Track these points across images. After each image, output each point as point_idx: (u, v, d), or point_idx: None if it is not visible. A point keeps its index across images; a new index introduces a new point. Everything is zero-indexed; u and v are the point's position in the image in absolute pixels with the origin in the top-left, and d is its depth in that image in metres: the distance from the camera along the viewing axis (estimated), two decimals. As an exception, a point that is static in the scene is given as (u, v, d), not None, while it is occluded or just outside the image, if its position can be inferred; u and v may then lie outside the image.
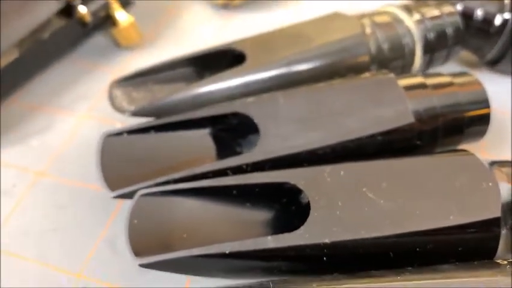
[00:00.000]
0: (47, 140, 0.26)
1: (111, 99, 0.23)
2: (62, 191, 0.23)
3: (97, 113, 0.27)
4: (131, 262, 0.17)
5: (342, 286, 0.16)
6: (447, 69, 0.30)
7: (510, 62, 0.30)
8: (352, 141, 0.20)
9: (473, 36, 0.30)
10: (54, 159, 0.25)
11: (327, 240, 0.17)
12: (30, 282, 0.21)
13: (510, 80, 0.31)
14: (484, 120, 0.23)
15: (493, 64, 0.31)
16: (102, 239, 0.22)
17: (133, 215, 0.18)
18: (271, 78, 0.23)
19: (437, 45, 0.27)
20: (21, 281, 0.21)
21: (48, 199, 0.23)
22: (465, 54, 0.32)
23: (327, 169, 0.19)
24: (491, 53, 0.30)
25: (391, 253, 0.17)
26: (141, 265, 0.17)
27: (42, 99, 0.28)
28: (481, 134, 0.24)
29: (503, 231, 0.18)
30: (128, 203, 0.19)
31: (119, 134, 0.21)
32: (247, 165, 0.20)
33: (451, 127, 0.22)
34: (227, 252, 0.17)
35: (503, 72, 0.31)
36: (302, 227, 0.17)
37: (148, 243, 0.18)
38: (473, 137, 0.24)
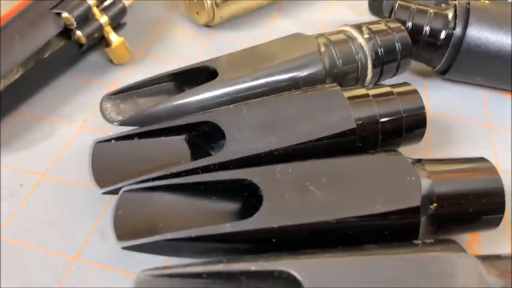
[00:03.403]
0: (48, 146, 0.29)
1: (102, 111, 0.27)
2: (61, 189, 0.27)
3: (91, 122, 0.30)
4: (116, 246, 0.21)
5: (282, 261, 0.19)
6: (402, 80, 0.33)
7: (457, 71, 0.34)
8: (302, 144, 0.24)
9: (424, 49, 0.33)
10: (54, 163, 0.28)
11: (274, 225, 0.21)
12: (32, 264, 0.24)
13: (458, 87, 0.35)
14: (420, 125, 0.26)
15: (443, 73, 0.34)
16: (94, 229, 0.25)
17: (118, 207, 0.22)
18: (238, 92, 0.27)
19: (387, 59, 0.30)
20: (24, 264, 0.24)
21: (49, 197, 0.27)
22: (419, 65, 0.35)
23: (278, 167, 0.22)
24: (440, 64, 0.34)
25: (327, 235, 0.21)
26: (124, 248, 0.21)
27: (44, 110, 0.31)
28: (420, 136, 0.27)
29: (423, 218, 0.22)
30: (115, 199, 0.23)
31: (108, 140, 0.25)
32: (214, 165, 0.24)
33: (391, 131, 0.26)
34: (193, 236, 0.21)
35: (451, 79, 0.35)
36: (255, 215, 0.21)
37: (130, 230, 0.22)
38: (413, 140, 0.27)
